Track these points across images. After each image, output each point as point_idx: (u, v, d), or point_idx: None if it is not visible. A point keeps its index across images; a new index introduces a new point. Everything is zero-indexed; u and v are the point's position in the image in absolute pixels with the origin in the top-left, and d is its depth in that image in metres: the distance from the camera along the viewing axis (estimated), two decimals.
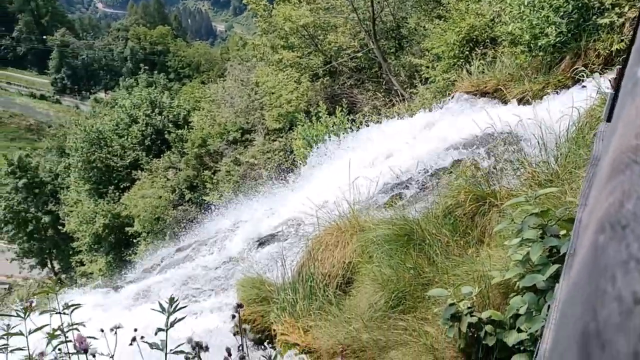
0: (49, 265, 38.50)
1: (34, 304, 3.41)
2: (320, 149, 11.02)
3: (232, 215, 12.14)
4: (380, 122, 10.92)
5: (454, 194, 5.95)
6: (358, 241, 6.24)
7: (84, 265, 30.52)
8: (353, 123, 13.39)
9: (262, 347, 6.69)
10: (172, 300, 3.02)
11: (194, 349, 2.50)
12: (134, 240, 25.40)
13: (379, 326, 5.42)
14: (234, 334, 7.23)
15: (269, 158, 19.70)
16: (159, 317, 3.08)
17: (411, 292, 5.37)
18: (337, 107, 15.11)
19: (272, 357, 3.10)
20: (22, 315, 3.31)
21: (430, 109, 10.13)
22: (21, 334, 3.17)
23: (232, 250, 9.97)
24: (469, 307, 4.48)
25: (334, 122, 14.03)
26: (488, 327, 4.37)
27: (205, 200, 22.22)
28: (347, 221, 6.62)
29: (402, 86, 14.84)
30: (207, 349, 2.49)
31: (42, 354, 2.87)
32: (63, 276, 35.76)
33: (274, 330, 6.73)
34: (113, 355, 3.07)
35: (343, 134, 11.37)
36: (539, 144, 5.99)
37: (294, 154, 17.40)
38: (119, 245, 27.47)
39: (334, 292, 6.28)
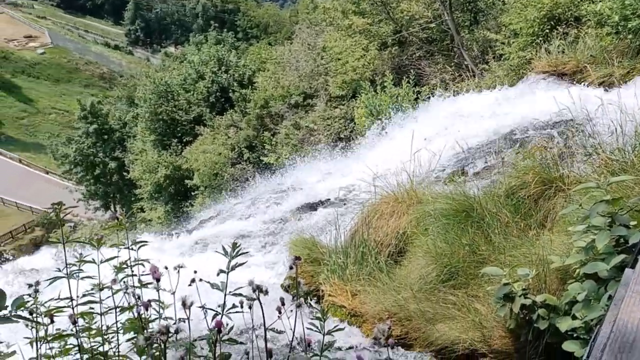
0: (112, 209, 40.55)
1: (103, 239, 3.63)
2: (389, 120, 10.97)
3: (290, 177, 12.33)
4: (453, 95, 10.65)
5: (519, 174, 5.79)
6: (414, 213, 6.23)
7: (144, 212, 31.95)
8: (419, 96, 13.15)
9: (309, 304, 6.86)
10: (234, 245, 3.12)
11: (254, 291, 2.58)
12: (192, 193, 26.28)
13: (427, 298, 5.44)
14: (287, 287, 7.41)
15: (328, 125, 19.70)
16: (215, 264, 3.22)
17: (464, 268, 5.33)
18: (403, 78, 14.84)
19: (325, 311, 3.17)
20: (95, 245, 3.54)
21: (504, 85, 9.80)
22: (93, 262, 3.39)
23: (287, 211, 10.17)
24: (523, 289, 4.42)
25: (399, 94, 13.82)
26: (541, 311, 4.30)
27: (262, 160, 22.60)
28: (405, 192, 6.60)
29: (474, 61, 14.35)
30: (266, 292, 2.58)
31: (114, 280, 3.07)
32: (124, 220, 37.57)
33: (322, 291, 6.88)
34: (175, 292, 3.24)
35: (411, 105, 11.24)
36: (616, 130, 5.70)
37: (355, 123, 17.32)
38: (177, 196, 28.51)
39: (385, 260, 6.33)
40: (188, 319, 2.66)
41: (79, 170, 38.15)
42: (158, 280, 2.49)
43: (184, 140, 28.62)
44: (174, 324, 2.67)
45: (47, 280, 2.93)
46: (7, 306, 2.28)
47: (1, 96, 58.94)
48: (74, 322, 2.90)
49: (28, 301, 2.64)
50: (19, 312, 2.38)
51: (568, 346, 3.93)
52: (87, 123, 37.51)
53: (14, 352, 2.69)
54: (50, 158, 45.06)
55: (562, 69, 8.91)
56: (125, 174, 33.64)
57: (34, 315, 2.65)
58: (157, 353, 2.59)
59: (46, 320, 2.99)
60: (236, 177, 23.85)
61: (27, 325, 3.24)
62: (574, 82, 8.39)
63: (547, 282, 4.62)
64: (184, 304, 2.63)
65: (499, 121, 8.19)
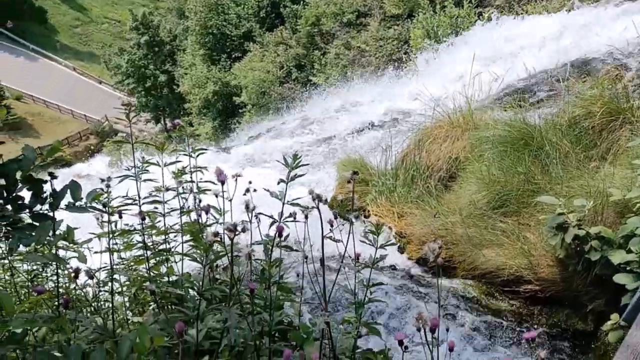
0: (162, 122, 41.49)
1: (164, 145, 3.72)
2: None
3: (340, 98, 12.18)
4: (520, 15, 10.01)
5: (585, 104, 5.52)
6: (470, 138, 6.10)
7: (192, 126, 32.54)
8: (480, 17, 12.45)
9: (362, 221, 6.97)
10: (295, 156, 3.14)
11: (314, 200, 2.61)
12: (240, 110, 26.47)
13: (476, 224, 5.45)
14: (336, 205, 7.53)
15: (381, 46, 19.05)
16: (264, 179, 3.25)
17: (517, 196, 5.27)
18: None
19: (379, 225, 3.20)
20: (159, 149, 3.65)
21: (575, 9, 9.12)
22: (157, 164, 3.51)
23: (336, 131, 10.15)
24: (578, 220, 4.35)
25: (459, 14, 13.12)
26: (594, 243, 4.25)
27: (311, 80, 22.35)
28: (461, 117, 6.43)
29: None
30: (326, 201, 2.61)
31: (180, 181, 3.19)
32: (173, 134, 38.58)
33: (368, 211, 6.98)
34: (232, 199, 3.33)
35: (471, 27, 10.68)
36: None
37: (409, 45, 16.69)
38: (225, 113, 28.80)
39: (434, 185, 6.31)
40: (250, 221, 2.76)
41: (131, 81, 38.81)
42: (223, 183, 2.55)
43: (233, 56, 28.43)
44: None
45: (117, 177, 3.07)
46: (82, 197, 2.40)
47: (55, 3, 59.39)
48: (143, 219, 3.06)
49: (101, 194, 2.79)
50: (94, 204, 2.51)
51: (620, 278, 3.91)
52: (138, 34, 37.65)
53: (90, 240, 2.88)
54: (103, 68, 45.91)
55: None
56: (175, 87, 34.05)
57: (107, 208, 2.80)
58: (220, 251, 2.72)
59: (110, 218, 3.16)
60: (284, 96, 23.79)
61: (97, 219, 3.46)
62: None
63: (603, 215, 4.52)
64: (247, 207, 2.71)
65: (568, 46, 7.69)
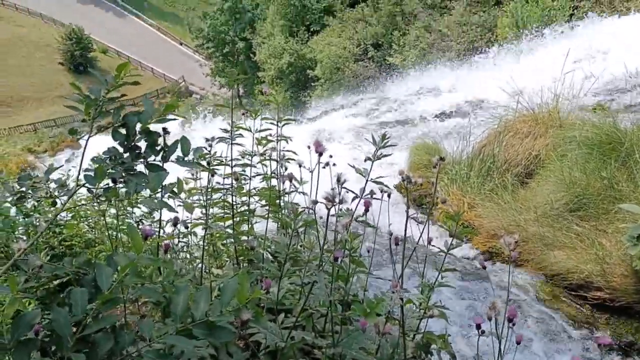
0: (235, 88, 42.42)
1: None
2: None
3: (417, 81, 12.04)
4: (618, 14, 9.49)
5: None
6: (553, 136, 5.94)
7: (263, 95, 33.10)
8: (575, 11, 11.87)
9: (420, 208, 6.99)
10: (384, 137, 3.22)
11: (404, 180, 2.70)
12: (312, 84, 26.66)
13: (550, 224, 5.36)
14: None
15: (463, 32, 18.56)
16: (338, 156, 3.35)
17: (597, 201, 5.13)
18: None
19: (459, 212, 3.25)
20: (253, 115, 3.83)
21: None
22: (248, 129, 3.69)
23: (412, 115, 10.09)
24: None
25: (553, 6, 12.55)
26: None
27: (387, 61, 22.12)
28: (546, 113, 6.26)
29: None
30: (415, 183, 2.68)
31: (273, 148, 3.35)
32: (244, 101, 39.43)
33: (437, 197, 6.97)
34: (312, 170, 3.47)
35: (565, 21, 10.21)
36: None
37: (492, 33, 16.19)
38: (297, 85, 29.09)
39: (511, 180, 6.21)
40: (339, 189, 2.89)
41: (210, 45, 39.81)
42: (321, 154, 2.66)
43: (312, 29, 28.56)
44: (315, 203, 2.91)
45: (217, 138, 3.27)
46: (190, 152, 2.61)
47: None
48: (236, 179, 3.26)
49: (206, 153, 3.00)
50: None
51: None
52: (222, 0, 38.44)
53: (193, 193, 3.10)
54: (186, 30, 47.25)
55: None
56: (251, 55, 34.64)
57: (210, 165, 3.00)
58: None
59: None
60: (358, 74, 23.74)
61: (192, 175, 3.71)
62: None
63: None
64: (338, 180, 2.84)
65: None
